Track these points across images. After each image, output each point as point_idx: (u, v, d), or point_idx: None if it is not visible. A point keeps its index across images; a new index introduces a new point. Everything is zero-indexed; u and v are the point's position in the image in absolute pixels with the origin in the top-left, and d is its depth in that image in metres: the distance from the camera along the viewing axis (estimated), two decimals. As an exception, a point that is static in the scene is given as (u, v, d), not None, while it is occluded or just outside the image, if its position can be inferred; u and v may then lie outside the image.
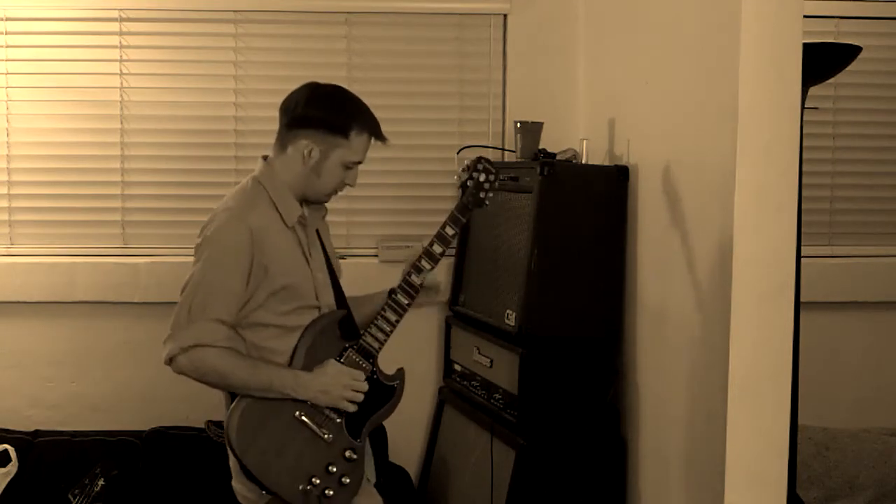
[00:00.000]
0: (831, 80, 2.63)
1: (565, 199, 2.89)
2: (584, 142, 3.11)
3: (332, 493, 2.25)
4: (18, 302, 3.44)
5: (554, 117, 3.35)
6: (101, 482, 3.05)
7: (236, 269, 2.21)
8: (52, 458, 3.19)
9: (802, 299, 2.39)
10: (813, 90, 2.48)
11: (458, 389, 3.29)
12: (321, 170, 2.32)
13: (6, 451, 3.13)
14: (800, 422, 2.42)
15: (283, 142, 2.34)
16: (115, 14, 3.46)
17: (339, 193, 2.43)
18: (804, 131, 2.27)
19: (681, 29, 2.59)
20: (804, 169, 2.35)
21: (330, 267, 2.44)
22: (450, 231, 2.38)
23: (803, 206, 2.33)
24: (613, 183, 2.95)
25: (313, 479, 2.24)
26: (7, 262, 3.45)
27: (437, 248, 2.38)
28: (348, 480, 2.28)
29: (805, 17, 2.16)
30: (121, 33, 3.48)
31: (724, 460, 2.20)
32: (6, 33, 3.45)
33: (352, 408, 2.30)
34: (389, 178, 3.54)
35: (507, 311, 2.93)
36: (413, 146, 3.55)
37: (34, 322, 3.48)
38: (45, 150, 3.49)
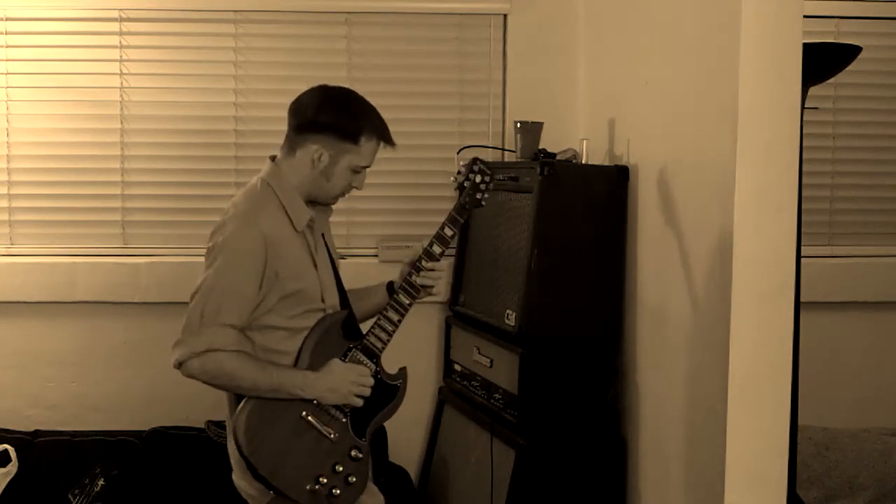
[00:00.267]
0: (831, 80, 2.63)
1: (565, 199, 2.89)
2: (584, 142, 3.11)
3: (339, 492, 2.27)
4: (18, 302, 3.44)
5: (554, 117, 3.35)
6: (101, 482, 3.05)
7: (250, 274, 2.21)
8: (52, 458, 3.19)
9: (802, 299, 2.39)
10: (813, 90, 2.48)
11: (458, 389, 3.29)
12: (330, 174, 2.33)
13: (6, 451, 3.13)
14: (800, 422, 2.42)
15: (292, 144, 2.34)
16: (115, 14, 3.46)
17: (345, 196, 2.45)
18: (804, 131, 2.27)
19: (681, 29, 2.59)
20: (804, 169, 2.35)
21: (334, 267, 2.45)
22: (448, 232, 2.40)
23: (803, 206, 2.33)
24: (613, 183, 2.95)
25: (320, 479, 2.25)
26: (7, 262, 3.45)
27: (437, 249, 2.40)
28: (354, 479, 2.30)
29: (805, 17, 2.16)
30: (121, 33, 3.48)
31: (724, 460, 2.20)
32: (6, 33, 3.45)
33: (359, 402, 2.31)
34: (389, 178, 3.54)
35: (507, 311, 2.93)
36: (413, 146, 3.54)
37: (34, 322, 3.48)
38: (45, 150, 3.49)
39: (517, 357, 2.85)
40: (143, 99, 3.50)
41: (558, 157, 3.08)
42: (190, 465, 3.20)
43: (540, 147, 3.12)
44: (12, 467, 3.11)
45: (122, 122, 3.50)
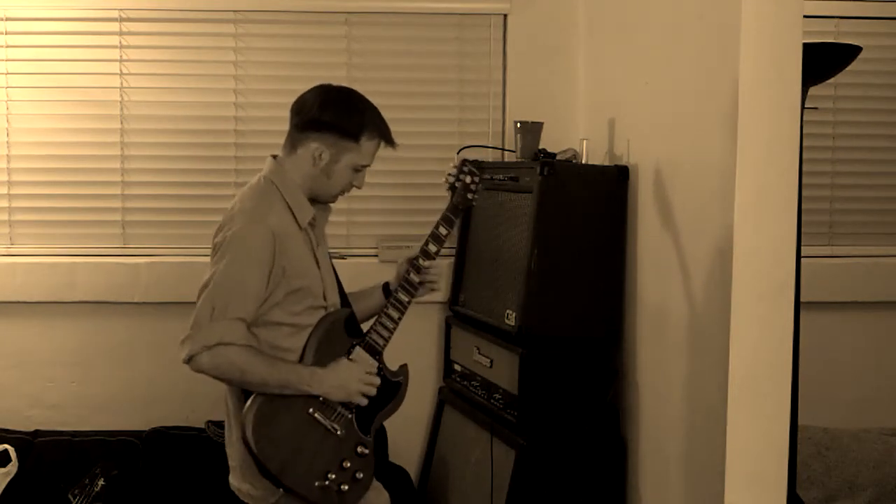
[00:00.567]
0: (831, 80, 2.63)
1: (565, 199, 2.89)
2: (584, 142, 3.11)
3: (347, 487, 2.28)
4: (18, 302, 3.44)
5: (554, 117, 3.35)
6: (101, 482, 3.05)
7: (259, 269, 2.22)
8: (52, 458, 3.19)
9: (802, 299, 2.39)
10: (813, 90, 2.48)
11: (458, 389, 3.29)
12: (331, 172, 2.35)
13: (6, 451, 3.13)
14: (800, 422, 2.42)
15: (293, 142, 2.36)
16: (115, 14, 3.46)
17: (345, 195, 2.47)
18: (804, 131, 2.26)
19: (681, 29, 2.59)
20: (804, 169, 2.35)
21: (333, 266, 2.48)
22: (443, 231, 2.45)
23: (803, 206, 2.33)
24: (613, 183, 2.95)
25: (329, 475, 2.26)
26: (7, 262, 3.45)
27: (433, 247, 2.45)
28: (362, 475, 2.32)
29: (805, 17, 2.15)
30: (121, 33, 3.48)
31: (724, 460, 2.20)
32: (6, 33, 3.45)
33: (364, 401, 2.33)
34: (389, 178, 3.54)
35: (507, 311, 2.93)
36: (413, 146, 3.53)
37: (34, 322, 3.48)
38: (45, 150, 3.49)
39: (517, 357, 2.85)
40: (143, 99, 3.50)
41: (558, 157, 3.08)
42: (190, 465, 3.20)
43: (540, 147, 3.12)
44: (12, 467, 3.11)
45: (122, 122, 3.50)
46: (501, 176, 3.09)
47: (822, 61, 2.44)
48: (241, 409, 2.25)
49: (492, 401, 3.01)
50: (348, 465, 2.29)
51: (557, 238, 2.88)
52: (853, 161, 3.66)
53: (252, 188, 2.35)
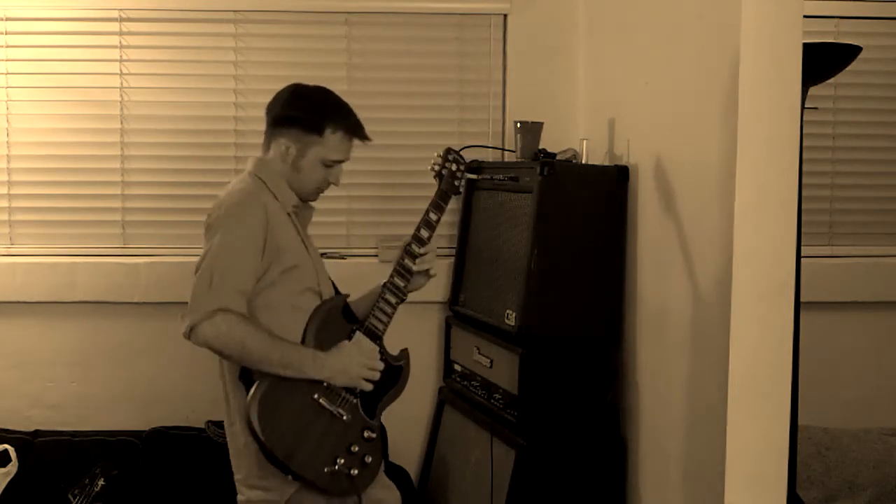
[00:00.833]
0: (831, 80, 2.63)
1: (565, 199, 2.89)
2: (584, 142, 3.11)
3: (356, 472, 2.29)
4: (18, 302, 3.44)
5: (554, 117, 3.35)
6: (101, 482, 3.05)
7: (253, 242, 2.25)
8: (52, 458, 3.19)
9: (802, 299, 2.39)
10: (813, 90, 2.48)
11: (458, 389, 3.29)
12: (300, 167, 2.40)
13: (6, 451, 3.13)
14: (800, 422, 2.42)
15: (266, 142, 2.45)
16: (115, 14, 3.46)
17: (327, 192, 2.52)
18: (804, 131, 2.26)
19: (681, 29, 2.59)
20: (804, 169, 2.35)
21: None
22: (433, 216, 2.51)
23: (803, 206, 2.33)
24: (613, 183, 2.95)
25: (338, 460, 2.27)
26: (7, 262, 3.45)
27: (425, 233, 2.51)
28: (370, 460, 2.33)
29: (805, 17, 2.15)
30: (121, 33, 3.48)
31: (724, 460, 2.20)
32: (6, 33, 3.45)
33: (369, 386, 2.34)
34: (389, 178, 3.54)
35: (507, 311, 2.93)
36: (413, 146, 3.55)
37: (34, 322, 3.48)
38: (45, 150, 3.49)
39: (517, 357, 2.85)
40: (143, 99, 3.50)
41: (558, 157, 3.08)
42: (190, 465, 3.20)
43: (540, 147, 3.12)
44: (12, 467, 3.11)
45: (122, 122, 3.50)
46: (501, 176, 3.09)
47: (822, 61, 2.44)
48: (244, 403, 2.25)
49: (492, 401, 3.01)
50: (356, 449, 2.30)
51: (557, 238, 2.88)
52: (853, 161, 3.66)
53: (237, 181, 2.41)
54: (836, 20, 3.54)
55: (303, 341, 2.31)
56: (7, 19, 3.44)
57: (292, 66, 3.52)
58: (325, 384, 2.28)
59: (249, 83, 3.53)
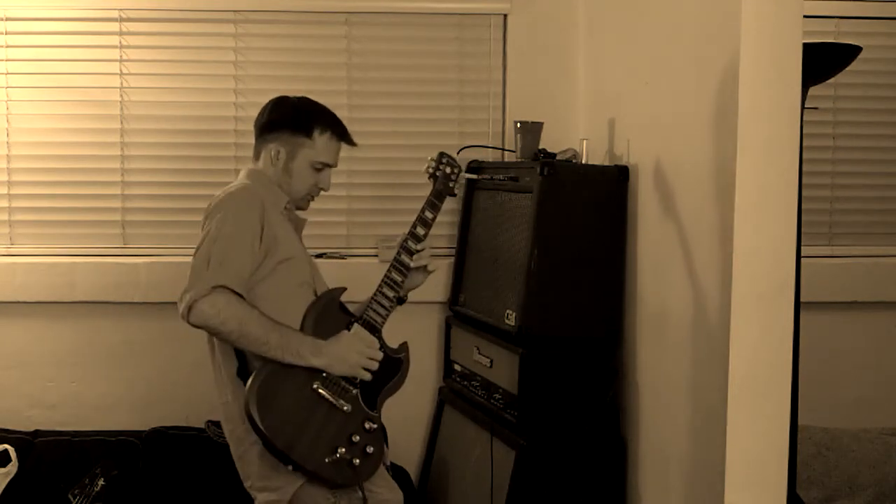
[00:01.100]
0: (831, 80, 2.63)
1: (565, 199, 2.89)
2: (584, 142, 3.11)
3: (358, 461, 2.29)
4: (18, 302, 3.44)
5: (554, 117, 3.35)
6: (101, 482, 3.05)
7: (251, 227, 2.28)
8: (52, 458, 3.19)
9: (802, 299, 2.39)
10: (813, 90, 2.48)
11: (458, 389, 3.29)
12: (290, 170, 2.46)
13: (6, 451, 3.13)
14: (800, 422, 2.42)
15: (256, 151, 2.51)
16: (115, 14, 3.46)
17: (327, 193, 2.57)
18: (804, 131, 2.27)
19: (681, 29, 2.59)
20: (804, 169, 2.35)
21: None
22: (429, 215, 2.56)
23: (803, 206, 2.33)
24: (613, 183, 2.95)
25: (339, 450, 2.27)
26: (7, 262, 3.44)
27: (420, 230, 2.55)
28: (372, 450, 2.33)
29: (805, 17, 2.15)
30: (121, 33, 3.48)
31: (724, 460, 2.20)
32: (6, 33, 3.45)
33: (367, 376, 2.35)
34: (389, 178, 3.54)
35: (507, 311, 2.93)
36: (413, 146, 3.54)
37: (34, 322, 3.48)
38: (45, 150, 3.49)
39: (517, 357, 2.85)
40: (143, 99, 3.50)
41: (558, 157, 3.08)
42: (190, 465, 3.20)
43: (540, 147, 3.12)
44: (12, 467, 3.11)
45: (122, 122, 3.50)
46: (501, 176, 3.09)
47: (822, 61, 2.44)
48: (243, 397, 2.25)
49: (492, 401, 3.01)
50: (357, 439, 2.31)
51: (557, 238, 2.88)
52: (853, 161, 3.66)
53: (232, 186, 2.45)
54: (836, 20, 3.54)
55: (301, 328, 2.33)
56: (7, 19, 3.44)
57: (292, 66, 3.52)
58: (323, 373, 2.29)
59: (249, 83, 3.53)
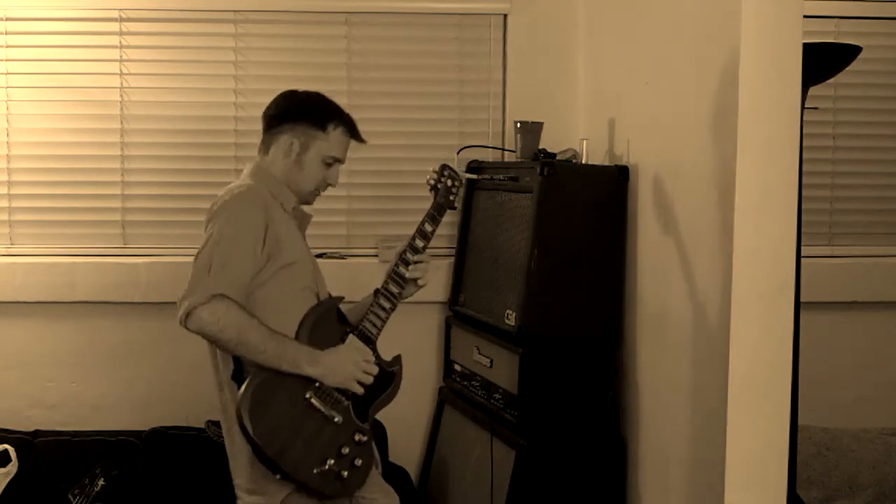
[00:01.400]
0: (831, 80, 2.63)
1: (565, 199, 2.89)
2: (584, 142, 3.11)
3: (347, 474, 2.29)
4: (18, 302, 3.44)
5: (554, 117, 3.35)
6: (101, 482, 3.05)
7: (253, 231, 2.27)
8: (52, 458, 3.19)
9: (802, 299, 2.39)
10: (813, 90, 2.48)
11: (458, 389, 3.29)
12: (302, 162, 2.44)
13: (6, 451, 3.13)
14: (800, 422, 2.42)
15: (265, 144, 2.48)
16: (115, 14, 3.46)
17: (327, 192, 2.55)
18: (804, 131, 2.27)
19: (680, 29, 2.59)
20: (804, 169, 2.35)
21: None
22: (429, 227, 2.55)
23: (803, 206, 2.33)
24: (613, 183, 2.95)
25: (328, 461, 2.26)
26: (7, 262, 3.44)
27: (420, 243, 2.53)
28: (360, 462, 2.32)
29: (805, 17, 2.16)
30: (121, 33, 3.48)
31: (725, 460, 2.20)
32: (6, 33, 3.45)
33: (360, 389, 2.34)
34: (389, 178, 3.54)
35: (507, 311, 2.93)
36: (413, 146, 3.55)
37: (34, 322, 3.48)
38: (45, 150, 3.49)
39: (517, 357, 2.85)
40: (143, 99, 3.50)
41: (558, 157, 3.08)
42: (190, 465, 3.20)
43: (540, 147, 3.12)
44: (12, 467, 3.11)
45: (122, 122, 3.50)
46: (501, 176, 3.09)
47: (822, 61, 2.44)
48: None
49: (492, 401, 3.01)
50: (347, 451, 2.30)
51: (557, 238, 2.88)
52: (853, 161, 3.66)
53: (235, 184, 2.43)
54: (836, 20, 3.54)
55: (296, 337, 2.31)
56: (7, 19, 3.44)
57: (292, 66, 3.52)
58: (316, 384, 2.28)
59: (249, 83, 3.53)
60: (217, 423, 3.16)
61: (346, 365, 2.32)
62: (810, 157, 3.07)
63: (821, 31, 3.44)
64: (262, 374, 2.23)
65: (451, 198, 2.61)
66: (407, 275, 2.50)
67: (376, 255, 3.55)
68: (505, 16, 3.57)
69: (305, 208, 2.55)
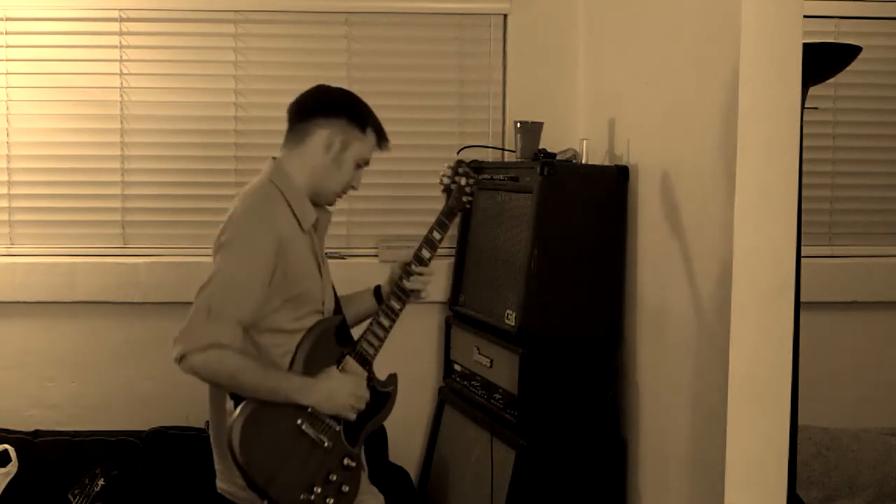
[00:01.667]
0: (831, 80, 2.63)
1: (565, 199, 2.89)
2: (584, 142, 3.11)
3: (332, 500, 2.25)
4: (18, 302, 3.44)
5: (554, 117, 3.36)
6: (101, 482, 3.05)
7: (261, 272, 2.18)
8: (52, 458, 3.19)
9: (802, 299, 2.39)
10: (813, 90, 2.48)
11: (458, 389, 3.29)
12: (341, 161, 2.32)
13: (6, 451, 3.13)
14: (800, 422, 2.42)
15: (299, 135, 2.32)
16: (115, 14, 3.46)
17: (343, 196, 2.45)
18: (804, 131, 2.27)
19: (681, 29, 2.59)
20: (804, 169, 2.35)
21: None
22: (437, 235, 2.42)
23: (803, 206, 2.33)
24: (613, 183, 2.95)
25: (315, 489, 2.23)
26: (7, 262, 3.45)
27: (426, 253, 2.41)
28: (347, 489, 2.28)
29: (805, 17, 2.16)
30: (121, 33, 3.48)
31: (725, 460, 2.20)
32: (6, 33, 3.45)
33: (353, 416, 2.29)
34: (389, 178, 3.54)
35: (507, 311, 2.93)
36: (413, 146, 3.55)
37: (34, 322, 3.48)
38: (45, 150, 3.49)
39: (517, 357, 2.85)
40: (143, 99, 3.50)
41: (558, 157, 3.08)
42: (190, 465, 3.19)
43: (540, 147, 3.13)
44: (12, 467, 3.11)
45: (122, 122, 3.50)
46: (501, 176, 3.09)
47: (822, 61, 2.44)
48: (225, 418, 2.22)
49: (492, 401, 3.01)
50: (334, 478, 2.26)
51: (557, 238, 2.88)
52: (853, 161, 3.66)
53: (254, 190, 2.30)
54: (836, 20, 3.54)
55: (292, 362, 2.25)
56: (7, 19, 3.44)
57: (292, 66, 3.52)
58: (309, 410, 2.23)
59: (249, 83, 3.53)
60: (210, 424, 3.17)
61: (339, 395, 2.26)
62: (810, 157, 3.08)
63: (821, 31, 3.44)
64: (254, 403, 2.19)
65: (465, 199, 2.45)
66: (408, 286, 2.40)
67: (376, 255, 3.55)
68: (505, 16, 3.57)
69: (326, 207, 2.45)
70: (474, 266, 3.29)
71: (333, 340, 2.33)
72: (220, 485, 2.33)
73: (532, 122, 3.16)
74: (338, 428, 2.28)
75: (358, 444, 2.33)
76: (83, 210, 3.52)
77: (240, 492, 2.27)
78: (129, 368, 3.50)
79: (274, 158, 2.35)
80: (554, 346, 2.88)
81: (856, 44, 2.50)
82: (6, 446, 3.15)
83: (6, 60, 3.46)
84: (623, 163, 3.00)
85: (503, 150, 3.49)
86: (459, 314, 3.33)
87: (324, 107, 2.32)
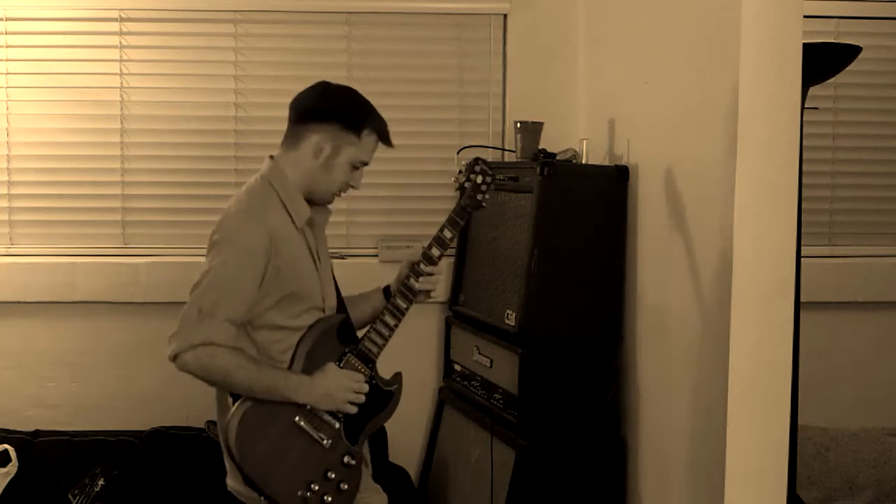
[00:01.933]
0: (831, 80, 2.63)
1: (565, 199, 2.89)
2: (584, 142, 3.11)
3: (330, 499, 2.24)
4: (18, 302, 3.44)
5: (554, 117, 3.35)
6: (101, 482, 3.05)
7: (252, 270, 2.19)
8: (52, 458, 3.19)
9: (802, 299, 2.39)
10: (813, 90, 2.48)
11: (458, 389, 3.29)
12: (331, 167, 2.31)
13: (6, 451, 3.13)
14: (800, 422, 2.42)
15: (294, 137, 2.32)
16: (115, 14, 3.46)
17: (342, 195, 2.44)
18: (804, 131, 2.27)
19: (681, 29, 2.59)
20: (804, 169, 2.35)
21: (332, 269, 2.45)
22: (448, 234, 2.39)
23: (803, 206, 2.33)
24: (613, 183, 2.95)
25: (312, 486, 2.22)
26: (7, 262, 3.45)
27: (436, 252, 2.40)
28: (346, 486, 2.28)
29: (805, 17, 2.16)
30: (121, 33, 3.48)
31: (724, 460, 2.20)
32: (6, 33, 3.45)
33: (353, 410, 2.29)
34: (389, 178, 3.54)
35: (507, 311, 2.93)
36: (413, 146, 3.54)
37: (34, 322, 3.48)
38: (45, 150, 3.49)
39: (517, 357, 2.85)
40: (143, 99, 3.50)
41: (558, 157, 3.08)
42: (190, 465, 3.20)
43: (540, 147, 3.12)
44: (12, 467, 3.11)
45: (122, 122, 3.50)
46: (501, 176, 3.09)
47: (822, 61, 2.45)
48: (226, 415, 2.22)
49: (492, 401, 3.01)
50: (333, 475, 2.25)
51: (557, 238, 2.88)
52: (853, 161, 3.66)
53: (249, 188, 2.32)
54: (836, 20, 3.54)
55: (292, 361, 2.26)
56: (7, 19, 3.44)
57: (292, 66, 3.51)
58: (308, 407, 2.23)
59: (249, 83, 3.53)
60: (216, 423, 3.17)
61: (336, 390, 2.25)
62: (810, 157, 3.07)
63: (821, 31, 3.44)
64: (253, 399, 2.20)
65: (480, 196, 2.40)
66: (417, 286, 2.39)
67: (376, 255, 3.55)
68: (505, 16, 3.57)
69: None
70: (474, 266, 3.29)
71: (335, 339, 2.32)
72: (230, 482, 2.33)
73: (532, 122, 3.16)
74: (337, 426, 2.28)
75: (359, 442, 2.33)
76: (83, 210, 3.52)
77: (250, 491, 2.27)
78: (129, 368, 3.50)
79: (272, 157, 2.36)
80: (554, 346, 2.88)
81: (856, 44, 2.50)
82: (6, 446, 3.15)
83: (6, 60, 3.46)
84: (623, 163, 3.00)
85: (503, 150, 3.49)
86: (459, 314, 3.33)
87: (317, 112, 2.30)
